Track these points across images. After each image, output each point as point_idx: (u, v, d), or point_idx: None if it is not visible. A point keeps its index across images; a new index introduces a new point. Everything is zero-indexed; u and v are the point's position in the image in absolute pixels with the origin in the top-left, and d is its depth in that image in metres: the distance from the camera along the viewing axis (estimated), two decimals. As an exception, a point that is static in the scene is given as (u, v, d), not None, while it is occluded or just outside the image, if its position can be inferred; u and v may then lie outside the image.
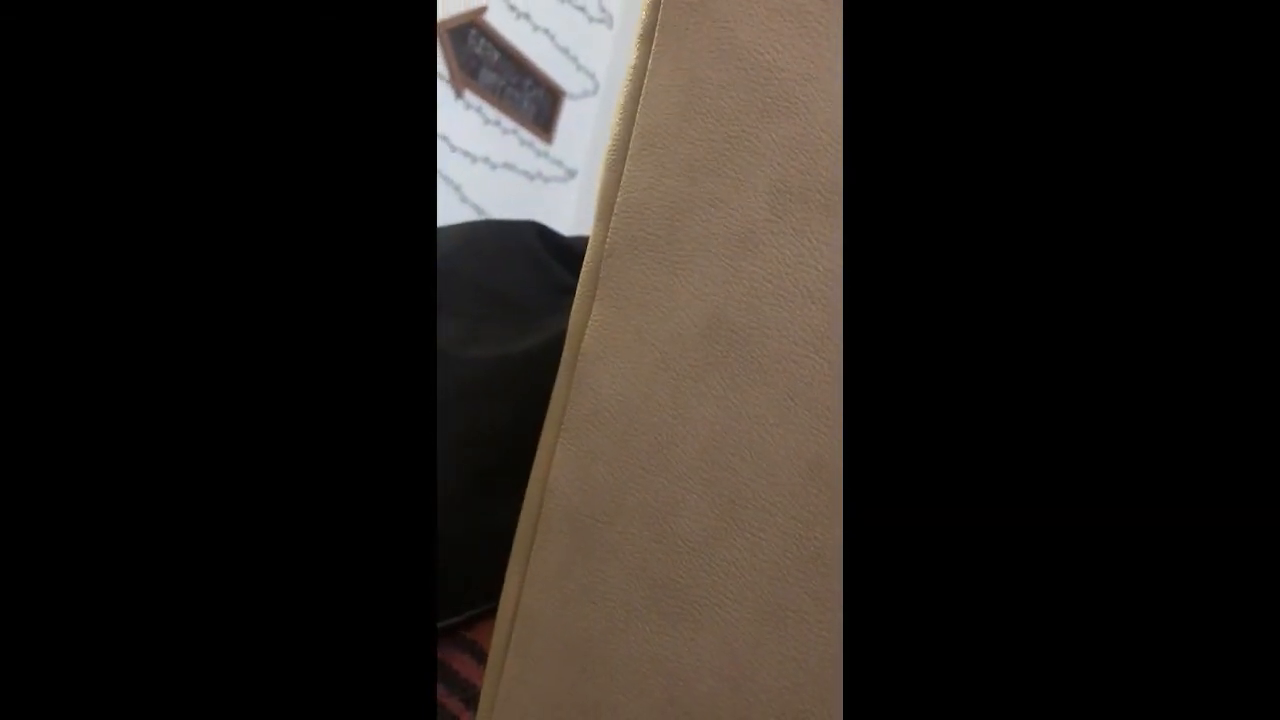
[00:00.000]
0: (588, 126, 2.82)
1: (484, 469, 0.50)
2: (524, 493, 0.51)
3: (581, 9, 2.64)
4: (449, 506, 0.48)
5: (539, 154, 2.63)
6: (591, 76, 2.77)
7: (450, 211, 2.36)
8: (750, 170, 0.29)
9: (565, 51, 2.63)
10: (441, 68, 2.26)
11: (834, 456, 0.28)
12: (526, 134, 2.57)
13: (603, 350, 0.31)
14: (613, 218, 0.31)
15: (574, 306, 0.33)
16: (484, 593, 0.53)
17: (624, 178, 0.31)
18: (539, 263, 0.62)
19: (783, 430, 0.28)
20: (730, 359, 0.29)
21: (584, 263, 0.33)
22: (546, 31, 2.55)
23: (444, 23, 2.22)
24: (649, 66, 0.32)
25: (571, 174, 2.79)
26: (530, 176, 2.62)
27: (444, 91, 2.29)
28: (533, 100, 2.58)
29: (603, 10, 2.72)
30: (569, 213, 2.82)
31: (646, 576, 0.29)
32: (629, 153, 0.31)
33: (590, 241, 0.33)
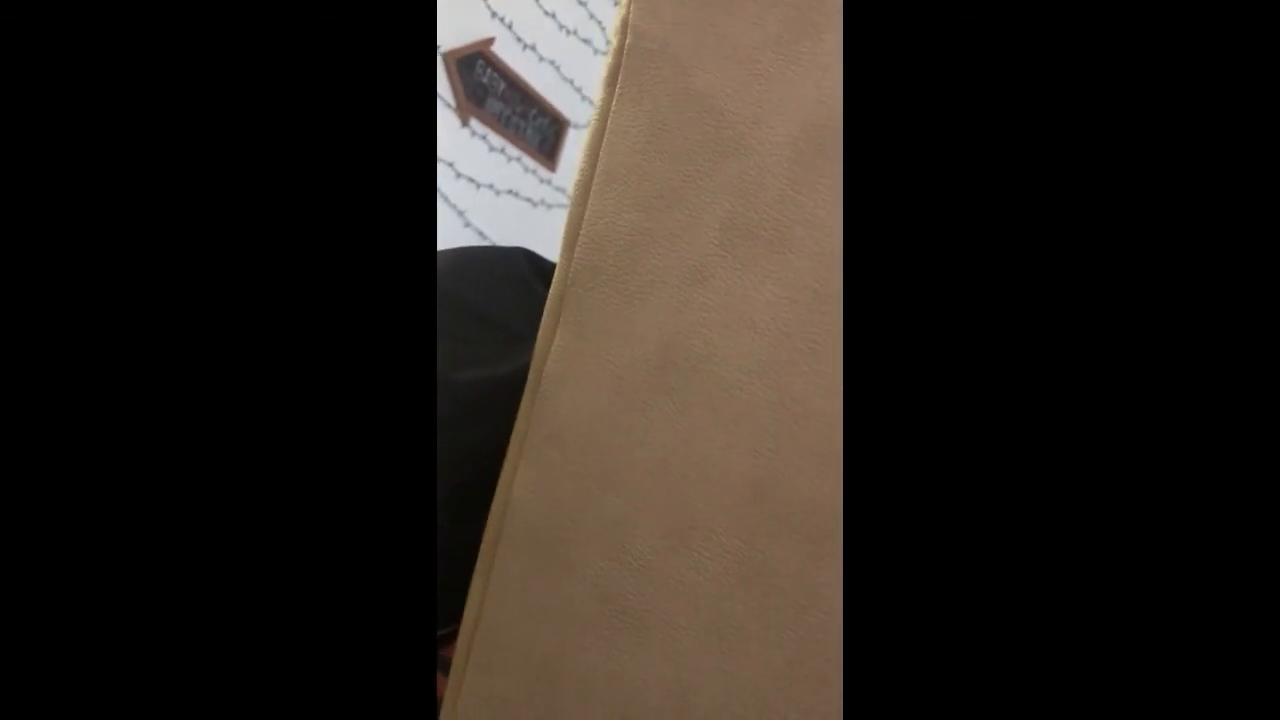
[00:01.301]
0: (591, 155, 2.86)
1: (463, 490, 0.52)
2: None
3: (587, 41, 2.70)
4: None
5: (542, 181, 2.67)
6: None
7: (453, 236, 2.40)
8: (703, 207, 0.31)
9: (570, 82, 2.68)
10: (448, 96, 2.31)
11: (777, 478, 0.29)
12: (530, 162, 2.61)
13: (563, 374, 0.32)
14: (576, 248, 0.33)
15: (540, 333, 0.34)
16: (459, 611, 0.54)
17: (587, 212, 0.33)
18: (527, 288, 0.63)
19: (728, 453, 0.29)
20: (681, 385, 0.30)
21: (550, 291, 0.35)
22: (552, 63, 2.61)
23: (452, 52, 2.27)
24: (612, 108, 0.33)
25: (574, 201, 2.84)
26: (534, 204, 2.66)
27: (450, 119, 2.33)
28: (537, 129, 2.62)
29: (608, 44, 2.78)
30: (571, 239, 2.85)
31: (600, 593, 0.30)
32: (592, 188, 0.33)
33: (556, 271, 0.34)
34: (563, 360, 0.33)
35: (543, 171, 2.67)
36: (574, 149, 2.76)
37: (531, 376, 0.34)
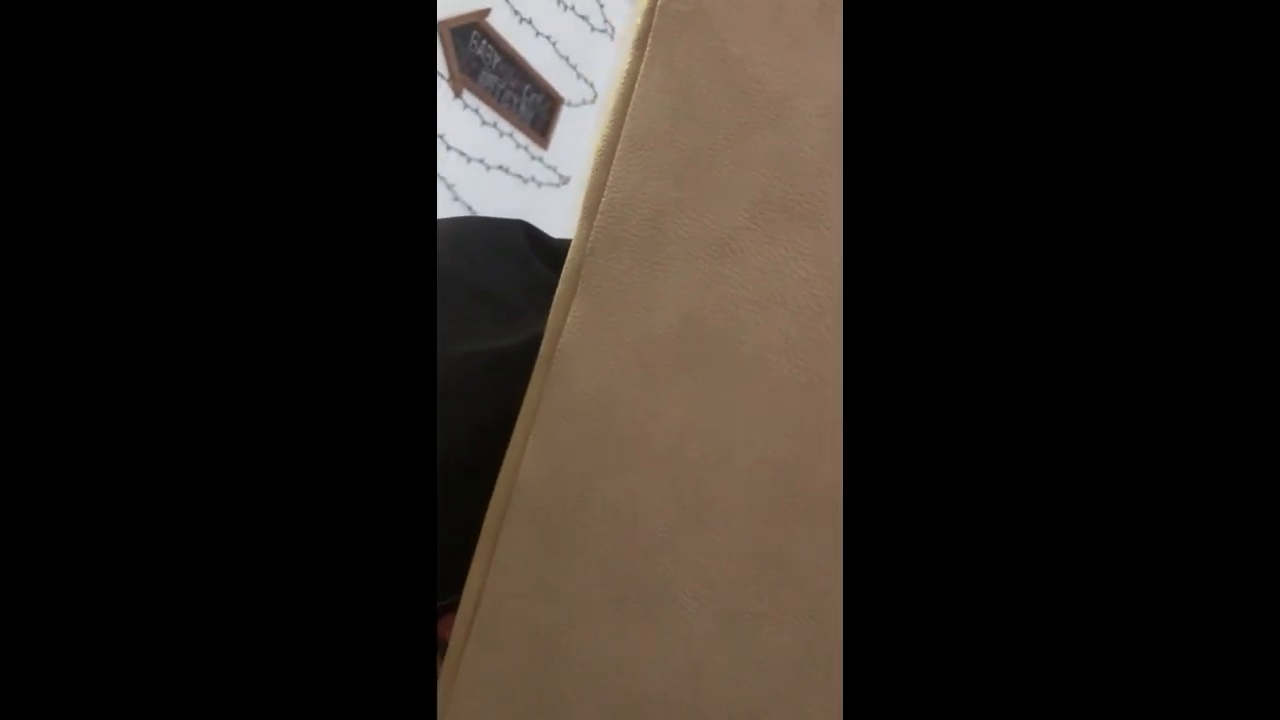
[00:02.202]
0: (584, 135, 2.83)
1: (461, 465, 0.51)
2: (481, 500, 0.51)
3: (584, 18, 2.66)
4: None
5: (534, 158, 2.64)
6: (591, 85, 2.78)
7: (442, 210, 2.37)
8: (733, 178, 0.30)
9: (566, 59, 2.64)
10: (442, 67, 2.27)
11: (800, 462, 0.28)
12: (522, 138, 2.58)
13: (579, 347, 0.31)
14: (597, 216, 0.32)
15: (554, 303, 0.33)
16: (454, 586, 0.53)
17: (610, 178, 0.32)
18: (524, 261, 0.62)
19: (751, 434, 0.28)
20: (704, 361, 0.29)
21: (566, 260, 0.33)
22: (548, 38, 2.57)
23: (447, 21, 2.22)
24: (640, 71, 0.32)
25: (565, 180, 2.80)
26: (524, 180, 2.63)
27: (443, 90, 2.29)
28: (531, 105, 2.59)
29: (605, 21, 2.74)
30: (560, 219, 2.83)
31: (610, 572, 0.29)
32: (616, 154, 0.32)
33: (574, 239, 0.33)
34: (579, 332, 0.31)
35: (534, 148, 2.63)
36: (567, 127, 2.73)
37: (545, 348, 0.33)
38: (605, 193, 0.32)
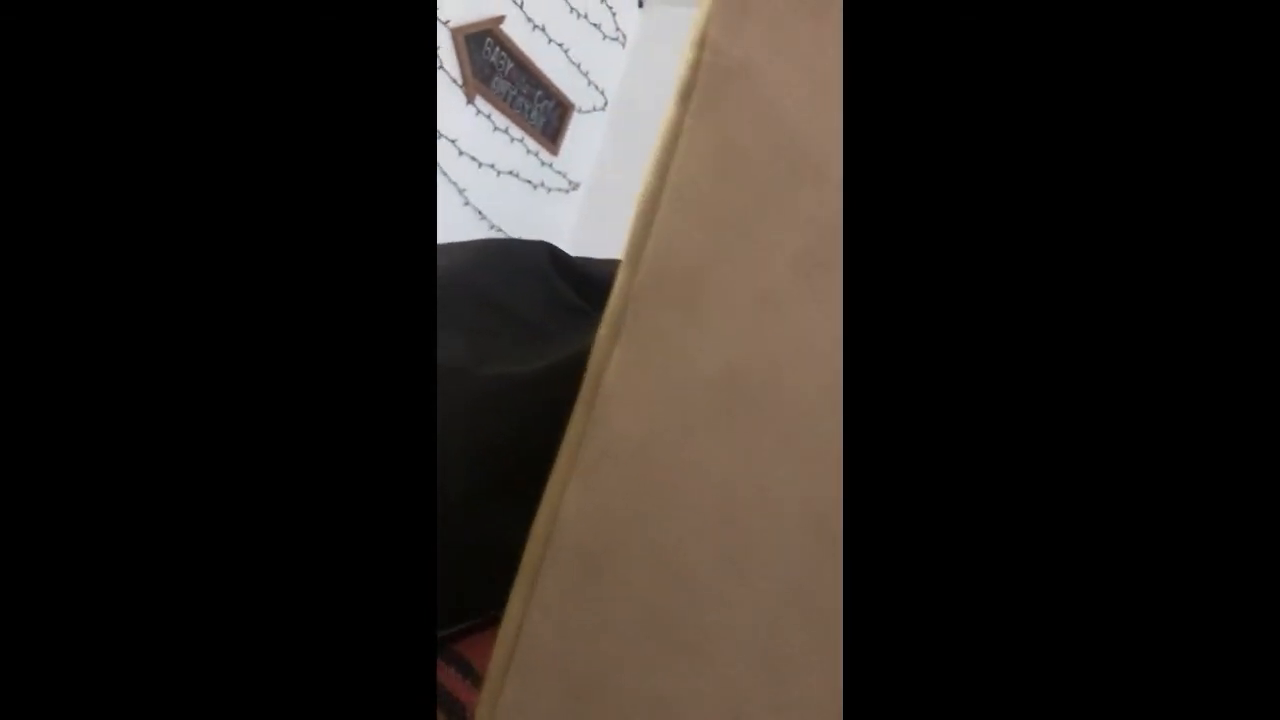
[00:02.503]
0: (594, 141, 2.84)
1: (484, 485, 0.51)
2: (523, 512, 0.52)
3: (596, 26, 2.68)
4: (447, 519, 0.48)
5: (543, 164, 2.65)
6: (601, 92, 2.80)
7: (452, 214, 2.38)
8: (777, 234, 0.31)
9: (577, 66, 2.65)
10: (455, 72, 2.28)
11: (837, 511, 0.29)
12: (533, 144, 2.59)
13: (621, 391, 0.32)
14: (640, 265, 0.33)
15: (595, 345, 0.34)
16: (476, 607, 0.54)
17: (654, 228, 0.33)
18: (548, 282, 0.63)
19: (791, 484, 0.29)
20: (745, 411, 0.30)
21: (609, 305, 0.34)
22: (560, 45, 2.58)
23: (461, 28, 2.24)
24: (686, 124, 0.33)
25: (574, 186, 2.81)
26: (534, 186, 2.64)
27: (456, 96, 2.30)
28: (542, 111, 2.60)
29: (617, 29, 2.75)
30: (569, 224, 2.83)
31: (650, 613, 0.30)
32: (660, 204, 0.33)
33: (616, 285, 0.34)
34: (621, 377, 0.32)
35: (544, 154, 2.64)
36: (577, 134, 2.74)
37: (585, 391, 0.34)
38: (649, 243, 0.33)
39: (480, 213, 2.48)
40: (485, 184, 2.47)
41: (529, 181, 2.65)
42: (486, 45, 2.37)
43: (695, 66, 0.34)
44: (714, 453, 0.31)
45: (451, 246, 0.61)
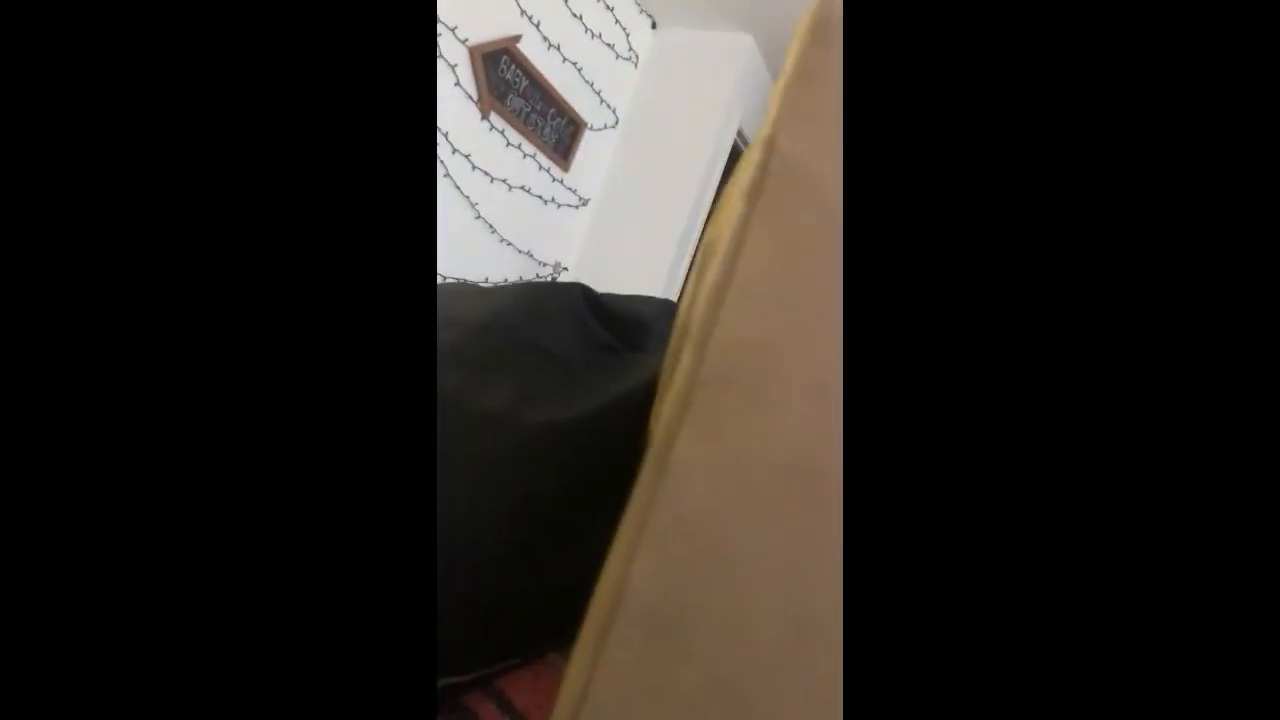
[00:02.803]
0: (604, 158, 2.88)
1: (530, 533, 0.53)
2: (566, 558, 0.55)
3: (610, 46, 2.71)
4: (495, 565, 0.51)
5: (554, 180, 2.69)
6: (613, 111, 2.83)
7: (464, 228, 2.41)
8: (834, 325, 0.33)
9: (590, 85, 2.69)
10: (471, 89, 2.32)
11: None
12: (545, 160, 2.62)
13: (690, 466, 0.35)
14: (707, 352, 0.35)
15: (663, 424, 0.37)
16: (517, 647, 0.56)
17: (721, 318, 0.35)
18: (581, 321, 0.65)
19: (849, 565, 0.32)
20: (813, 493, 0.33)
21: (674, 387, 0.37)
22: (574, 64, 2.62)
23: (479, 46, 2.27)
24: (752, 221, 0.36)
25: (584, 202, 2.85)
26: (544, 201, 2.67)
27: (471, 111, 2.34)
28: (554, 128, 2.63)
29: (630, 49, 2.79)
30: (579, 239, 2.87)
31: (718, 683, 0.33)
32: (727, 296, 0.36)
33: (683, 367, 0.37)
34: (688, 456, 0.35)
35: (556, 170, 2.68)
36: (588, 151, 2.77)
37: (652, 463, 0.36)
38: (716, 330, 0.35)
39: (491, 226, 2.51)
40: (497, 199, 2.50)
41: (540, 197, 2.68)
42: (503, 63, 2.40)
43: (763, 168, 0.36)
44: (783, 532, 0.33)
45: (493, 291, 0.64)
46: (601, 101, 2.80)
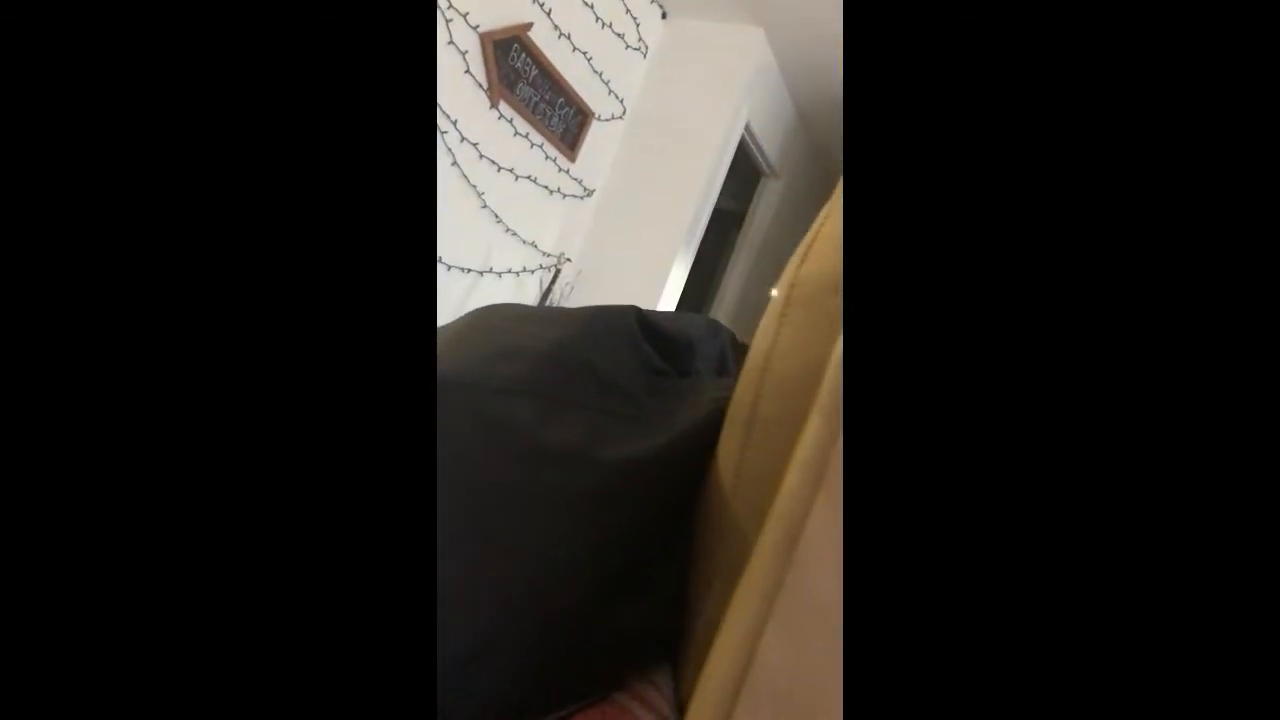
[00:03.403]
0: (611, 149, 2.85)
1: (609, 573, 0.52)
2: (643, 602, 0.53)
3: (620, 36, 2.67)
4: (575, 611, 0.49)
5: (561, 170, 2.65)
6: (620, 101, 2.80)
7: (469, 218, 2.37)
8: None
9: (599, 75, 2.65)
10: (481, 77, 2.27)
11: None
12: (552, 149, 2.59)
13: (825, 545, 0.34)
14: (840, 414, 0.34)
15: (791, 494, 0.35)
16: (589, 690, 0.55)
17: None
18: (636, 345, 0.64)
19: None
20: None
21: (803, 455, 0.36)
22: (584, 53, 2.58)
23: (491, 33, 2.23)
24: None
25: (589, 193, 2.82)
26: (550, 191, 2.64)
27: (481, 100, 2.30)
28: (562, 118, 2.60)
29: (640, 39, 2.75)
30: (583, 229, 2.84)
31: (856, 768, 0.32)
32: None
33: (812, 435, 0.36)
34: (824, 530, 0.34)
35: (562, 160, 2.64)
36: (595, 141, 2.74)
37: (778, 537, 0.35)
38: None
39: (497, 215, 2.48)
40: (503, 188, 2.47)
41: (546, 187, 2.65)
42: (513, 51, 2.36)
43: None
44: (920, 616, 0.32)
45: (551, 317, 0.61)
46: (610, 92, 2.77)
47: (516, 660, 0.46)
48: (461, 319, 0.58)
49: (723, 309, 3.52)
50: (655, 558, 0.54)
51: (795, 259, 0.40)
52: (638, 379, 0.60)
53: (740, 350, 0.64)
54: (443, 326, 0.58)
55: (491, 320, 0.57)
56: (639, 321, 0.66)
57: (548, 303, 2.77)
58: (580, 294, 2.78)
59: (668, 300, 2.86)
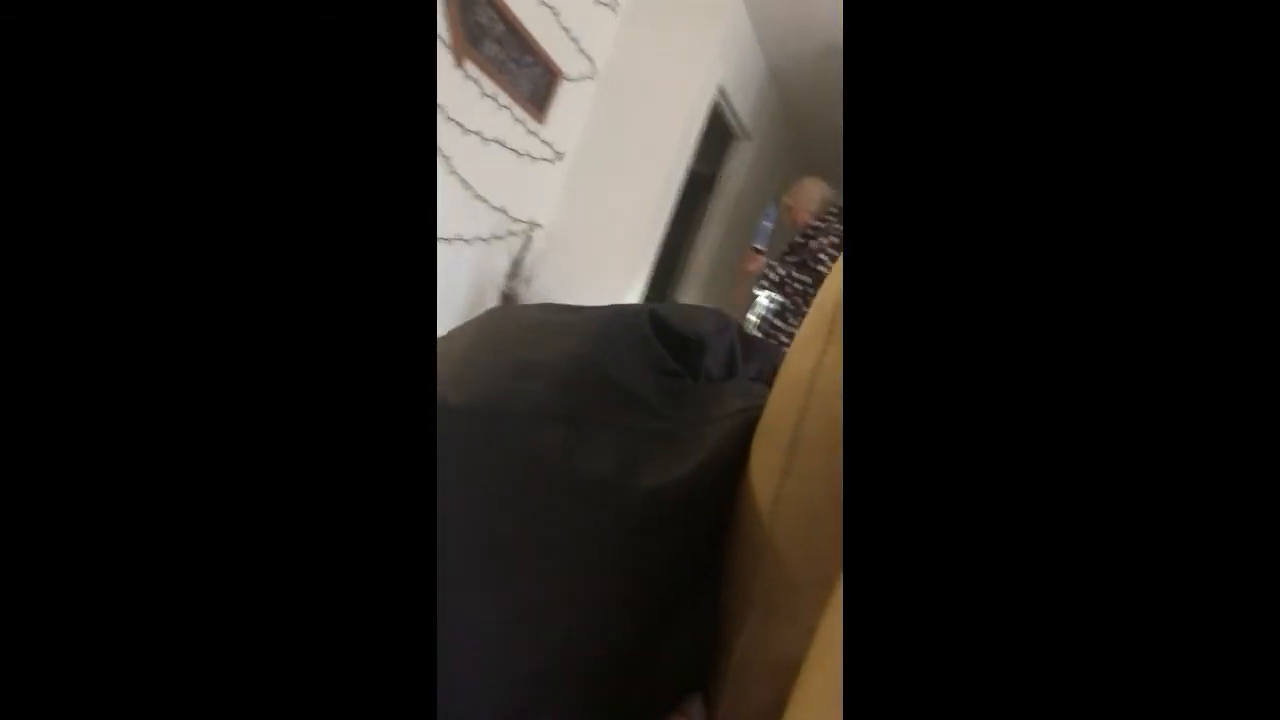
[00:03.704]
0: (581, 111, 2.76)
1: (648, 609, 0.48)
2: (674, 632, 0.50)
3: (590, -11, 2.58)
4: (615, 654, 0.45)
5: (529, 133, 2.57)
6: (591, 61, 2.71)
7: (436, 183, 2.29)
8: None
9: (567, 32, 2.56)
10: (445, 33, 2.18)
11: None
12: (520, 111, 2.50)
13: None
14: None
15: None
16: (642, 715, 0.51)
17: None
18: (649, 349, 0.61)
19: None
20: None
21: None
22: (551, 8, 2.48)
23: (454, -13, 2.12)
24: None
25: (559, 156, 2.74)
26: (519, 155, 2.56)
27: (444, 58, 2.20)
28: (530, 78, 2.51)
29: (612, -5, 2.66)
30: (553, 194, 2.77)
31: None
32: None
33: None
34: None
35: (531, 122, 2.56)
36: (564, 102, 2.66)
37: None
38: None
39: (465, 181, 2.40)
40: (471, 151, 2.38)
41: (514, 150, 2.56)
42: (478, 6, 2.26)
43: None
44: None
45: (564, 323, 0.58)
46: (579, 50, 2.68)
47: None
48: (468, 329, 0.55)
49: (694, 272, 3.49)
50: (688, 591, 0.50)
51: (838, 270, 0.37)
52: (653, 383, 0.56)
53: (746, 343, 0.61)
54: (447, 337, 0.54)
55: (501, 332, 0.53)
56: (652, 321, 0.62)
57: (520, 272, 2.70)
58: (553, 263, 2.73)
59: (641, 266, 2.82)
